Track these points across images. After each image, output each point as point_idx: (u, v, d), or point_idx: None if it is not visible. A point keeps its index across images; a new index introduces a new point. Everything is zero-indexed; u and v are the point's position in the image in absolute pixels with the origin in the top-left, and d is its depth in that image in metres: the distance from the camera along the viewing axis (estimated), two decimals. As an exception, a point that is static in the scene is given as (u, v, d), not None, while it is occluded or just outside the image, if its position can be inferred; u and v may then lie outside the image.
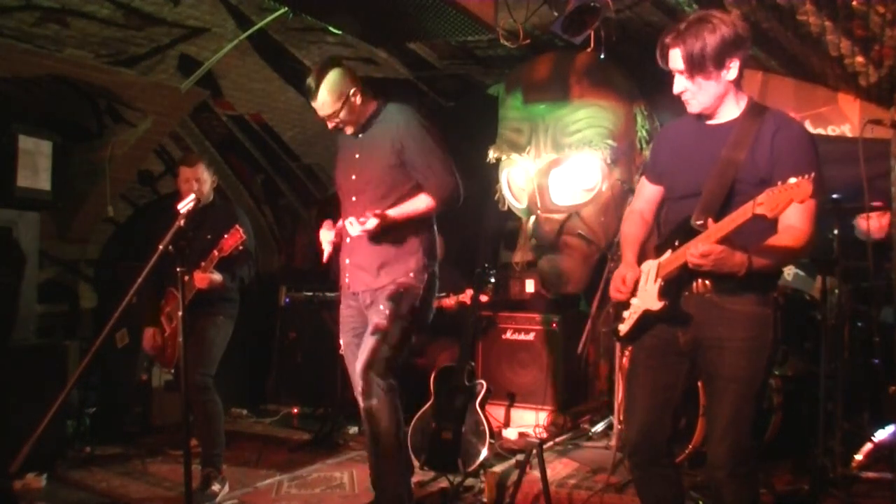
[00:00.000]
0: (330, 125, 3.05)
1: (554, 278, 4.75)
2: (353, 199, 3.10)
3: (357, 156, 3.11)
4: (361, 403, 2.95)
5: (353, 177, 3.10)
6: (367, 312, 3.07)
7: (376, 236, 2.97)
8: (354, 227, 2.91)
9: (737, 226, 2.01)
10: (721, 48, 2.11)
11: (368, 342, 2.95)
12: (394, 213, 2.95)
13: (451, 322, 4.61)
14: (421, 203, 3.01)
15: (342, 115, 3.00)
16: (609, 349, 4.77)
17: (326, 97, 2.95)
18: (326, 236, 3.14)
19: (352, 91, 2.98)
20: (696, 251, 2.07)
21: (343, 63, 3.03)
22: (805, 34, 3.75)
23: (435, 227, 3.17)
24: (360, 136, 3.11)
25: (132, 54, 4.32)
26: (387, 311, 2.95)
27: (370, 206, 2.97)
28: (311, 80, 2.95)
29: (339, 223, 3.15)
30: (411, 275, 3.01)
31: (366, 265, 3.06)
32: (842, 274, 3.46)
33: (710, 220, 2.12)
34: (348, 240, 3.10)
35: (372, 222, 2.86)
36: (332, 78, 2.95)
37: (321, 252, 3.15)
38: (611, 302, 2.58)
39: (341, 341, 3.21)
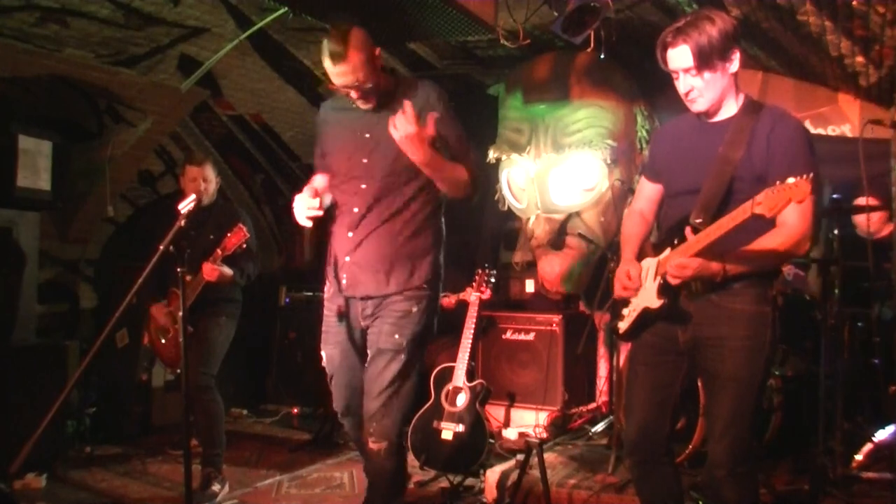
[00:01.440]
0: (354, 94, 2.55)
1: (554, 278, 4.74)
2: (363, 185, 2.61)
3: (367, 135, 2.62)
4: (370, 445, 2.59)
5: (365, 160, 2.61)
6: (368, 326, 2.66)
7: (390, 232, 2.58)
8: (402, 123, 2.36)
9: (735, 225, 2.02)
10: (724, 39, 2.13)
11: (385, 377, 2.57)
12: (436, 155, 2.48)
13: (451, 322, 4.61)
14: (460, 171, 2.57)
15: (371, 80, 2.50)
16: (609, 349, 4.78)
17: (358, 58, 2.45)
18: (306, 204, 2.56)
19: (377, 52, 2.55)
20: (674, 265, 2.14)
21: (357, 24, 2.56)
22: (805, 34, 3.75)
23: (444, 229, 2.78)
24: (377, 112, 2.61)
25: (132, 54, 4.32)
26: (403, 342, 2.57)
27: (387, 194, 2.58)
28: (333, 44, 2.45)
29: (336, 220, 2.73)
30: (425, 285, 2.63)
31: (372, 265, 2.61)
32: (842, 274, 3.46)
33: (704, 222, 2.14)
34: (350, 234, 2.65)
35: (409, 122, 2.35)
36: (359, 37, 2.47)
37: (295, 220, 2.62)
38: (612, 301, 2.59)
39: (323, 353, 2.76)
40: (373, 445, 2.58)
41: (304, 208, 2.57)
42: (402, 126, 2.38)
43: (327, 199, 2.72)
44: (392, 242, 2.61)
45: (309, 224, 2.59)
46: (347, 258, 2.66)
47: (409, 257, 2.62)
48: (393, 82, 2.65)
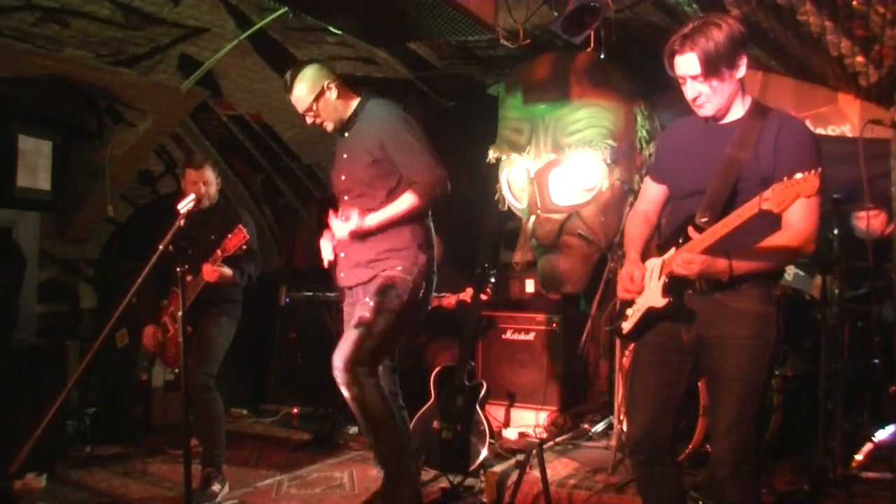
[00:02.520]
0: (308, 121, 3.09)
1: (554, 278, 4.75)
2: (345, 198, 3.11)
3: (345, 156, 3.11)
4: (345, 394, 2.91)
5: (343, 177, 3.11)
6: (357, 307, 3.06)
7: (370, 234, 2.96)
8: (339, 228, 2.94)
9: (743, 221, 2.03)
10: (732, 45, 2.13)
11: (351, 334, 2.91)
12: (373, 219, 2.92)
13: (451, 322, 4.61)
14: (404, 203, 2.95)
15: (317, 109, 3.03)
16: (609, 349, 4.78)
17: (300, 91, 3.01)
18: (327, 246, 3.12)
19: (326, 84, 3.02)
20: (680, 260, 2.14)
21: (322, 62, 3.12)
22: (805, 34, 3.75)
23: (430, 222, 3.11)
24: (346, 134, 3.12)
25: (132, 54, 4.32)
26: (371, 303, 2.91)
27: (355, 205, 2.99)
28: (287, 76, 3.03)
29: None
30: (399, 269, 2.95)
31: (357, 260, 3.03)
32: (842, 274, 3.46)
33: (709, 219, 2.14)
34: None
35: (353, 222, 2.88)
36: (307, 73, 3.01)
37: (321, 258, 3.15)
38: (612, 301, 2.59)
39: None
40: (348, 394, 2.90)
41: (326, 250, 3.11)
42: (340, 232, 2.94)
43: None
44: (370, 243, 2.98)
45: (330, 257, 3.10)
46: (343, 254, 3.10)
47: (389, 252, 2.97)
48: (358, 104, 3.09)
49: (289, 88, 3.03)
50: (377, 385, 2.94)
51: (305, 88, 3.01)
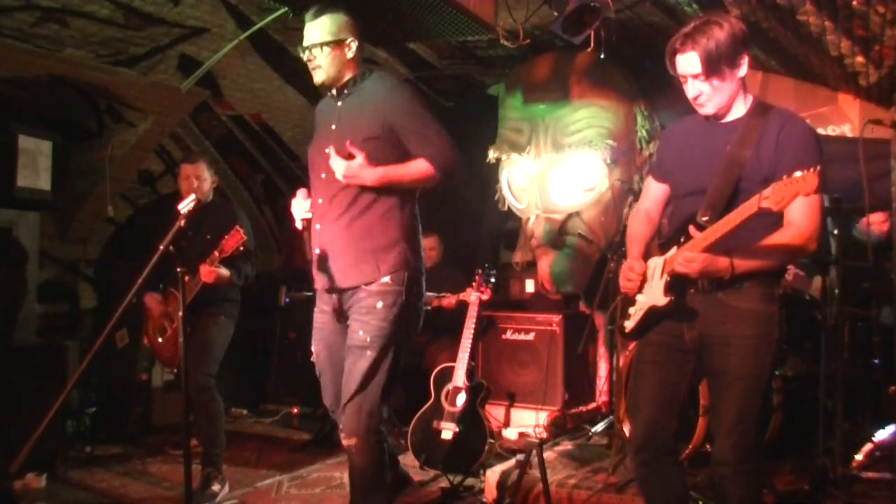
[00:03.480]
0: (303, 56, 2.65)
1: (554, 278, 4.74)
2: (323, 175, 2.65)
3: (333, 126, 2.67)
4: (343, 440, 2.64)
5: (327, 150, 2.61)
6: (344, 323, 2.67)
7: (351, 223, 2.59)
8: (338, 164, 2.53)
9: (743, 219, 2.03)
10: (733, 44, 2.13)
11: (353, 374, 2.56)
12: (378, 171, 2.53)
13: (451, 322, 4.61)
14: (416, 168, 2.58)
15: (325, 55, 2.60)
16: (610, 348, 4.77)
17: (322, 26, 2.60)
18: (301, 207, 2.65)
19: (349, 39, 2.64)
20: (682, 258, 2.15)
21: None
22: (805, 34, 3.75)
23: (418, 219, 2.75)
24: (339, 103, 2.70)
25: (132, 54, 4.32)
26: (367, 338, 2.54)
27: (340, 187, 2.59)
28: (316, 6, 2.63)
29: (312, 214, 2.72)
30: (388, 279, 2.56)
31: (337, 258, 2.61)
32: (842, 274, 3.46)
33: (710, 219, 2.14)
34: (318, 226, 2.66)
35: (358, 161, 2.49)
36: (341, 17, 2.63)
37: (293, 224, 2.71)
38: (612, 301, 2.59)
39: (313, 348, 2.80)
40: (344, 441, 2.61)
41: (300, 211, 2.64)
42: (337, 169, 2.53)
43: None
44: (350, 233, 2.60)
45: (302, 224, 2.65)
46: (317, 250, 2.66)
47: (372, 249, 2.58)
48: (358, 72, 2.70)
49: (314, 15, 2.61)
50: (378, 445, 2.62)
51: (329, 28, 2.60)
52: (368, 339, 2.55)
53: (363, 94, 2.67)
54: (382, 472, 2.67)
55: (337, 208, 2.62)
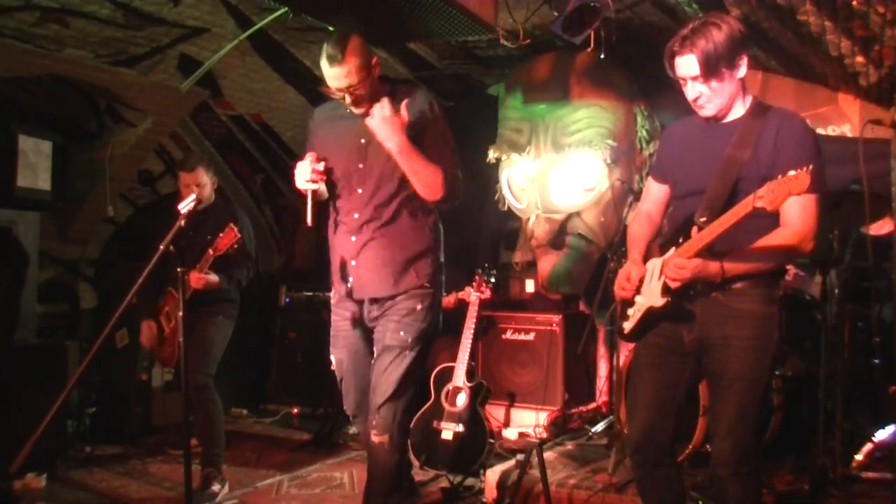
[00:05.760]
0: (348, 99, 2.62)
1: (554, 278, 4.74)
2: (360, 190, 2.70)
3: (363, 140, 2.69)
4: (372, 438, 2.66)
5: (360, 165, 2.69)
6: (375, 326, 2.74)
7: (386, 233, 2.67)
8: (379, 106, 2.54)
9: (738, 219, 2.03)
10: (731, 45, 2.13)
11: (392, 374, 2.63)
12: (412, 146, 2.57)
13: (451, 322, 4.60)
14: (434, 168, 2.62)
15: (364, 86, 2.60)
16: (610, 349, 4.78)
17: (354, 63, 2.54)
18: (310, 168, 2.60)
19: (374, 61, 2.65)
20: (672, 265, 2.16)
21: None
22: (805, 34, 3.75)
23: (440, 222, 2.87)
24: (363, 118, 2.67)
25: (132, 54, 4.32)
26: (408, 339, 2.64)
27: (384, 198, 2.66)
28: (331, 48, 2.54)
29: (334, 223, 2.80)
30: (427, 283, 2.70)
31: (378, 268, 2.68)
32: (842, 274, 3.46)
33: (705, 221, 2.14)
34: (353, 238, 2.72)
35: (386, 110, 2.52)
36: (357, 44, 2.58)
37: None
38: (612, 301, 2.59)
39: (332, 357, 2.85)
40: (375, 438, 2.65)
41: (308, 172, 2.60)
42: (377, 111, 2.55)
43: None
44: (393, 244, 2.69)
45: (313, 187, 2.60)
46: (353, 262, 2.73)
47: (412, 258, 2.70)
48: (389, 90, 2.71)
49: (338, 59, 2.53)
50: (404, 445, 2.73)
51: (358, 63, 2.56)
52: (410, 340, 2.65)
53: (395, 108, 2.63)
54: (406, 472, 2.81)
55: (376, 223, 2.70)
